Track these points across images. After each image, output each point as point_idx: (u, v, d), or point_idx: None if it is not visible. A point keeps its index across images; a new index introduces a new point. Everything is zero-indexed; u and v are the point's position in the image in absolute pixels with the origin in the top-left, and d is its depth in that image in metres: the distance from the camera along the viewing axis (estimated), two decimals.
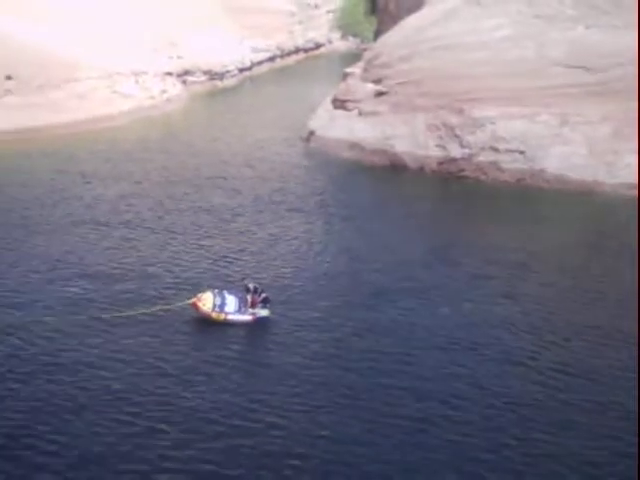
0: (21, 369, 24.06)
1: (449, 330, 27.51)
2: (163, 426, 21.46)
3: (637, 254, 33.18)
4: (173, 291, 29.81)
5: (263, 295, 27.82)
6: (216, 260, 33.56)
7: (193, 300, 27.59)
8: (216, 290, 28.29)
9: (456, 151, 47.22)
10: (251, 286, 28.04)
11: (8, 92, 56.29)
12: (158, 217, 38.97)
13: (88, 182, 44.53)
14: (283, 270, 32.67)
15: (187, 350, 25.68)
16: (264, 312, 27.95)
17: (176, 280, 31.15)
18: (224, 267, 32.82)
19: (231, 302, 27.92)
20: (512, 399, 23.30)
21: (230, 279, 31.11)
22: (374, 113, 51.15)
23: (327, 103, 55.74)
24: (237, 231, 37.37)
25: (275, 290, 29.77)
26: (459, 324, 28.00)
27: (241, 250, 34.79)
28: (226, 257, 33.91)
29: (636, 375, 24.08)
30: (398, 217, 40.19)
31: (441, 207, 43.17)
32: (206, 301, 27.52)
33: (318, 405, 22.81)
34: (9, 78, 56.56)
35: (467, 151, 46.91)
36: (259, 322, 27.87)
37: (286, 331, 27.26)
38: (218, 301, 27.63)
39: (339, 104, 54.11)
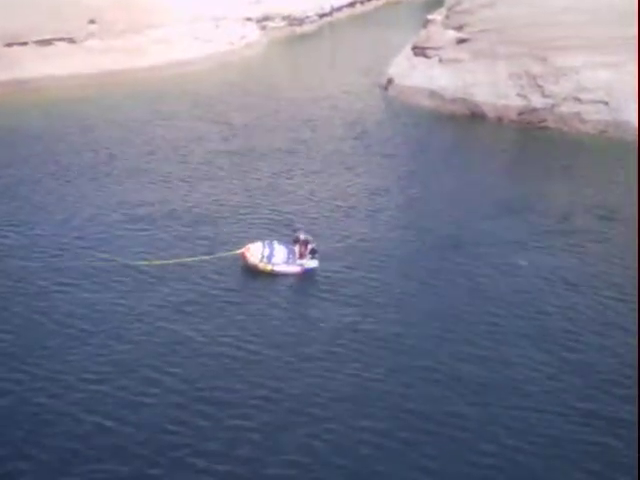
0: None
1: (527, 281, 26.82)
2: (194, 376, 21.17)
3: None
4: (232, 238, 29.56)
5: (310, 246, 27.19)
6: (280, 206, 33.31)
7: (242, 250, 27.38)
8: (266, 241, 27.92)
9: (537, 101, 45.82)
10: (302, 237, 27.43)
11: (91, 35, 56.98)
12: (232, 158, 39.36)
13: (168, 123, 45.29)
14: (347, 220, 32.06)
15: (230, 299, 25.26)
16: (312, 263, 27.42)
17: (238, 226, 31.10)
18: (286, 214, 32.45)
19: (279, 253, 27.50)
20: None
21: (289, 227, 30.36)
22: (455, 61, 50.13)
23: (407, 50, 54.78)
24: (306, 176, 37.27)
25: (334, 241, 29.50)
26: (536, 276, 27.21)
27: (308, 198, 34.49)
28: (291, 203, 33.73)
29: None
30: (474, 168, 39.47)
31: (520, 158, 42.03)
32: (254, 251, 27.27)
33: (364, 362, 21.90)
34: (92, 22, 57.17)
35: (549, 101, 45.45)
36: (307, 274, 27.32)
37: (334, 284, 26.41)
38: (266, 252, 27.27)
39: (419, 51, 53.12)
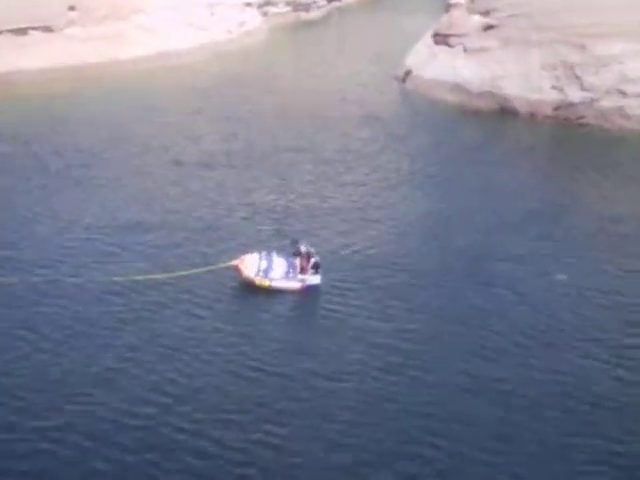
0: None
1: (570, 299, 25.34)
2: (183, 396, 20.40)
3: None
4: (225, 247, 28.46)
5: (312, 260, 25.99)
6: (280, 212, 32.22)
7: (236, 262, 26.10)
8: (264, 252, 26.84)
9: (575, 94, 43.82)
10: (303, 249, 26.26)
11: (71, 23, 55.42)
12: (229, 159, 38.24)
13: (159, 122, 43.75)
14: (357, 229, 30.68)
15: (222, 320, 24.11)
16: (315, 279, 26.17)
17: (233, 234, 29.98)
18: (286, 222, 31.27)
19: (278, 266, 26.44)
20: None
21: (289, 237, 28.78)
22: (481, 49, 48.53)
23: (427, 38, 53.28)
24: (311, 179, 35.98)
25: (340, 253, 28.35)
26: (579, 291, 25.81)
27: (313, 203, 33.11)
28: (293, 209, 32.50)
29: None
30: (504, 170, 37.83)
31: (556, 158, 40.57)
32: (250, 264, 26.09)
33: (367, 391, 20.78)
34: (72, 8, 55.18)
35: (588, 94, 43.51)
36: (309, 290, 26.07)
37: (340, 303, 25.00)
38: (263, 265, 26.20)
39: (441, 39, 51.59)
